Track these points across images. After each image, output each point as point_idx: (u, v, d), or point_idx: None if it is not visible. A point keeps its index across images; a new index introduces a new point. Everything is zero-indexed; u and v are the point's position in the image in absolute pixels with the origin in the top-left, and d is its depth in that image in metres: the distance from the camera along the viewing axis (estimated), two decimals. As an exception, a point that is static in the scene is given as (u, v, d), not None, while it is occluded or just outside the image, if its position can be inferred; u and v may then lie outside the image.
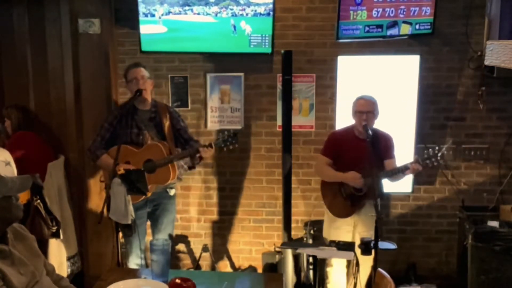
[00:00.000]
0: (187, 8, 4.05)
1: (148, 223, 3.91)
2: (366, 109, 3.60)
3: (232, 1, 4.03)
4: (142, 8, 4.03)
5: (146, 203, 3.72)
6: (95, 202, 4.35)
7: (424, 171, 4.38)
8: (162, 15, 4.06)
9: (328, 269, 3.85)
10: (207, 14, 4.06)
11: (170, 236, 3.87)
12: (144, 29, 4.10)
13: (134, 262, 3.79)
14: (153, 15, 4.06)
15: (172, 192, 3.81)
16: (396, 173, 3.59)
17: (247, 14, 4.06)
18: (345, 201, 3.70)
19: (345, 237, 3.67)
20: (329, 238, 3.76)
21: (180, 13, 4.06)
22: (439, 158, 3.47)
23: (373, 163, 3.46)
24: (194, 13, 4.06)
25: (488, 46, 3.09)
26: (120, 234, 3.32)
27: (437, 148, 3.49)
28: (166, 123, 3.71)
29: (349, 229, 3.74)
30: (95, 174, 4.32)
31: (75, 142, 4.34)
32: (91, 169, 4.30)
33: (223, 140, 3.53)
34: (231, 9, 4.05)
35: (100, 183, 4.30)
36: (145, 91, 3.64)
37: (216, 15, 4.06)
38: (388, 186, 4.30)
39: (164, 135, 3.70)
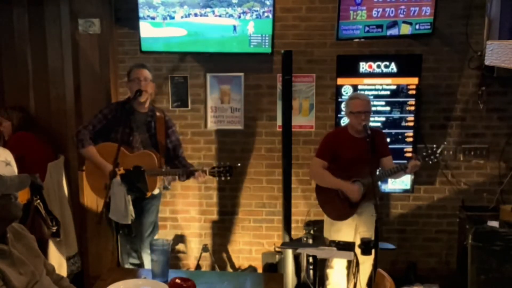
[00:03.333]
0: (208, 10, 4.02)
1: None
2: (364, 109, 3.61)
3: (256, 2, 3.99)
4: (161, 11, 4.02)
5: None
6: (95, 202, 4.34)
7: (424, 171, 4.40)
8: (182, 17, 4.04)
9: (328, 271, 3.84)
10: (230, 16, 4.03)
11: (150, 235, 3.84)
12: (164, 32, 4.09)
13: (128, 261, 3.79)
14: (172, 18, 4.04)
15: (156, 191, 3.78)
16: (395, 173, 3.60)
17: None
18: (343, 203, 3.67)
19: (346, 238, 3.66)
20: (330, 238, 3.76)
21: (200, 15, 4.04)
22: (438, 155, 3.48)
23: (372, 163, 3.46)
24: (216, 15, 4.04)
25: (488, 46, 3.08)
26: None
27: (435, 146, 3.51)
28: (160, 131, 3.70)
29: (350, 230, 3.72)
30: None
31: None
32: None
33: (218, 171, 3.53)
34: (255, 11, 4.02)
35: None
36: (145, 92, 3.62)
37: (239, 17, 4.04)
38: (388, 186, 4.32)
39: (155, 142, 3.69)
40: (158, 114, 3.74)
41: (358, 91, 4.21)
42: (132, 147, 3.64)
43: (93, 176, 3.69)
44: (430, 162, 3.54)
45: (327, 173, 3.67)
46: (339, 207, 3.69)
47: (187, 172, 3.59)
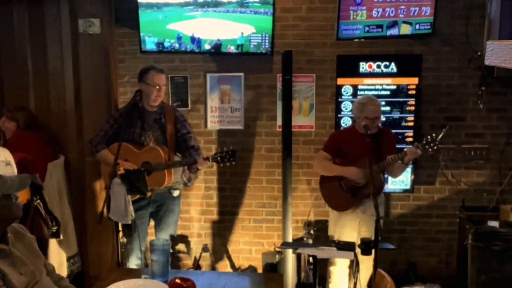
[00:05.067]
0: (211, 10, 4.01)
1: (152, 223, 3.91)
2: (379, 114, 3.67)
3: (260, 2, 3.96)
4: (162, 11, 4.02)
5: (149, 203, 3.72)
6: (95, 202, 4.35)
7: (424, 171, 4.40)
8: (184, 18, 4.03)
9: (331, 268, 3.86)
10: (237, 18, 4.01)
11: (172, 236, 3.87)
12: (165, 32, 4.11)
13: (134, 262, 3.79)
14: (175, 18, 4.03)
15: (175, 193, 3.80)
16: (393, 162, 3.60)
17: None
18: (345, 194, 3.73)
19: (350, 235, 3.69)
20: (334, 236, 3.78)
21: (203, 16, 4.03)
22: (437, 142, 3.50)
23: (373, 157, 3.48)
24: (220, 12, 4.03)
25: (488, 46, 3.09)
26: (120, 234, 3.32)
27: (434, 134, 3.52)
28: (170, 127, 3.71)
29: (354, 227, 3.75)
30: (95, 174, 4.32)
31: (75, 142, 4.34)
32: (91, 169, 4.30)
33: (221, 157, 3.53)
34: (260, 12, 4.00)
35: (100, 183, 4.31)
36: (160, 98, 3.66)
37: (242, 17, 4.02)
38: (388, 186, 4.32)
39: (166, 138, 3.70)
40: (167, 110, 3.76)
41: (358, 91, 4.22)
42: (144, 146, 3.65)
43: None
44: (430, 150, 3.55)
45: (329, 162, 3.78)
46: (341, 197, 3.75)
47: (192, 162, 3.59)
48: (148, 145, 3.66)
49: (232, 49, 4.13)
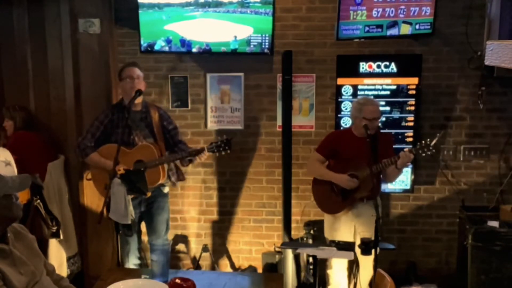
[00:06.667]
0: (211, 10, 4.00)
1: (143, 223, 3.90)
2: (378, 114, 3.64)
3: (260, 3, 3.95)
4: (162, 11, 4.02)
5: (140, 202, 3.71)
6: (95, 202, 4.35)
7: (424, 171, 4.40)
8: (184, 18, 4.02)
9: (329, 271, 3.84)
10: (236, 19, 4.00)
11: (165, 233, 3.85)
12: (164, 32, 4.09)
13: (132, 262, 3.79)
14: (175, 18, 4.02)
15: (166, 189, 3.79)
16: (387, 166, 3.59)
17: None
18: (337, 197, 3.71)
19: (345, 238, 3.67)
20: (329, 238, 3.77)
21: (203, 16, 4.02)
22: (431, 148, 3.49)
23: (369, 159, 3.47)
24: (220, 13, 4.03)
25: (488, 46, 3.09)
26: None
27: (429, 139, 3.52)
28: (156, 124, 3.69)
29: (349, 230, 3.74)
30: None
31: (75, 142, 4.34)
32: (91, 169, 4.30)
33: (216, 146, 3.52)
34: (259, 12, 3.99)
35: (100, 184, 4.30)
36: (135, 87, 3.61)
37: (242, 17, 4.02)
38: (388, 185, 4.32)
39: (155, 135, 3.69)
40: (151, 108, 3.75)
41: (358, 91, 4.22)
42: (134, 146, 3.64)
43: (100, 181, 3.68)
44: (424, 155, 3.54)
45: (321, 166, 3.76)
46: (332, 200, 3.74)
47: (187, 155, 3.58)
48: (140, 143, 3.63)
49: (234, 45, 4.12)
